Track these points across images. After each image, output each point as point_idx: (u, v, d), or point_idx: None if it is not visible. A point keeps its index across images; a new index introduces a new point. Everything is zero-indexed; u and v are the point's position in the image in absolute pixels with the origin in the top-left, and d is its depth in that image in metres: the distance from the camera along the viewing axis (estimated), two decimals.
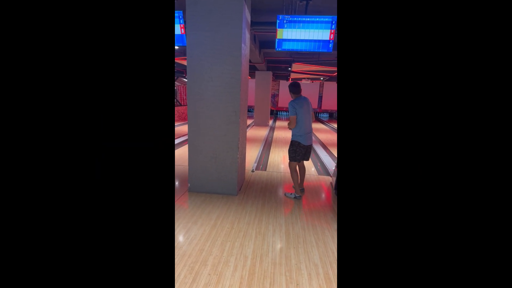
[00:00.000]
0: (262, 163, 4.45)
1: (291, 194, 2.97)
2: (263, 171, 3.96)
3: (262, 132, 7.91)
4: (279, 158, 4.81)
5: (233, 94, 2.71)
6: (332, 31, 3.09)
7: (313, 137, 2.71)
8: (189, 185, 2.96)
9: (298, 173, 2.95)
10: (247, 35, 2.92)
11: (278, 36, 3.20)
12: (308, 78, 10.54)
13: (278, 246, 1.99)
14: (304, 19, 3.11)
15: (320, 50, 3.23)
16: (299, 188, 2.96)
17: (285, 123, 11.09)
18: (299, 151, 2.79)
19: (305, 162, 3.00)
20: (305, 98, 2.77)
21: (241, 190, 3.11)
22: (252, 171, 3.91)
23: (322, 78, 10.88)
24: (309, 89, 13.65)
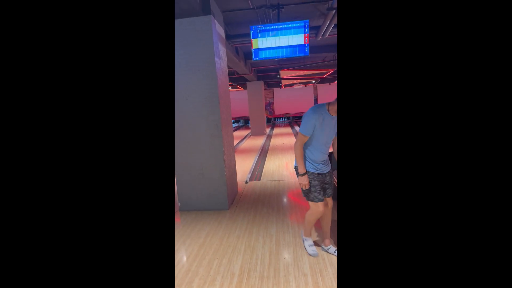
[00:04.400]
0: (257, 173, 4.41)
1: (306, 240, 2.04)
2: (257, 181, 3.91)
3: (259, 142, 7.89)
4: (274, 166, 4.76)
5: (213, 108, 2.71)
6: (306, 35, 3.11)
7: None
8: (179, 204, 2.93)
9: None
10: (221, 49, 2.95)
11: (254, 46, 3.23)
12: (300, 83, 10.59)
13: (267, 258, 1.93)
14: (277, 26, 3.14)
15: (297, 55, 3.24)
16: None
17: (283, 130, 11.10)
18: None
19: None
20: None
21: (233, 203, 3.06)
22: (246, 182, 3.87)
23: (314, 82, 10.93)
24: (304, 93, 13.71)
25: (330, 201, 1.90)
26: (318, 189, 1.79)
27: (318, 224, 2.10)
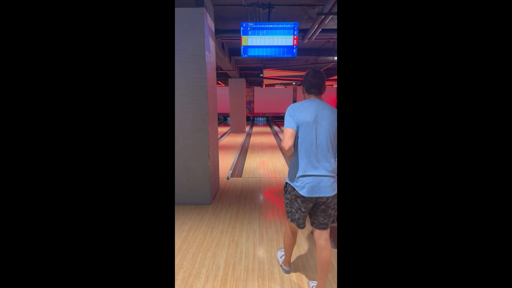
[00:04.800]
0: (238, 169, 4.43)
1: (280, 252, 1.86)
2: (239, 178, 3.93)
3: (239, 139, 7.90)
4: (255, 164, 4.81)
5: (200, 101, 2.69)
6: (295, 36, 3.19)
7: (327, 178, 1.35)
8: None
9: (293, 241, 1.60)
10: (211, 43, 2.92)
11: (243, 43, 3.24)
12: (281, 84, 10.75)
13: (251, 252, 1.97)
14: (267, 25, 3.18)
15: (285, 56, 3.30)
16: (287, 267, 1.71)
17: (263, 129, 11.18)
18: (296, 205, 1.41)
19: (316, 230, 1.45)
20: (322, 104, 1.37)
21: (215, 198, 3.06)
22: (228, 178, 3.87)
23: (294, 83, 11.14)
24: (284, 94, 13.93)
25: (323, 236, 1.42)
26: (298, 212, 1.41)
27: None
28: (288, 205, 1.46)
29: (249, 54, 3.31)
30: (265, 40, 3.23)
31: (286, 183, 1.45)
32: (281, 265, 1.76)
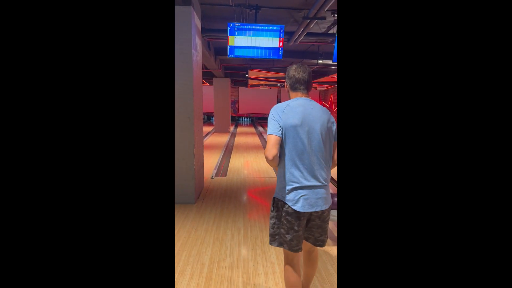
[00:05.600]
0: (223, 169, 4.43)
1: None
2: (223, 177, 3.94)
3: (223, 139, 7.88)
4: (240, 164, 4.84)
5: (186, 100, 2.68)
6: (281, 39, 3.26)
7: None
8: None
9: (299, 273, 1.24)
10: (197, 42, 2.92)
11: (230, 43, 3.26)
12: (266, 85, 10.85)
13: (236, 250, 1.99)
14: (254, 27, 3.22)
15: (271, 57, 3.37)
16: None
17: (247, 129, 11.22)
18: (287, 224, 1.17)
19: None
20: (312, 104, 1.19)
21: (199, 197, 3.05)
22: (212, 177, 3.87)
23: (279, 85, 11.28)
24: (268, 95, 14.05)
25: (315, 252, 1.34)
26: (290, 232, 1.17)
27: None
28: (276, 226, 1.20)
29: (235, 54, 3.34)
30: (252, 41, 3.27)
31: (275, 198, 1.21)
32: None
